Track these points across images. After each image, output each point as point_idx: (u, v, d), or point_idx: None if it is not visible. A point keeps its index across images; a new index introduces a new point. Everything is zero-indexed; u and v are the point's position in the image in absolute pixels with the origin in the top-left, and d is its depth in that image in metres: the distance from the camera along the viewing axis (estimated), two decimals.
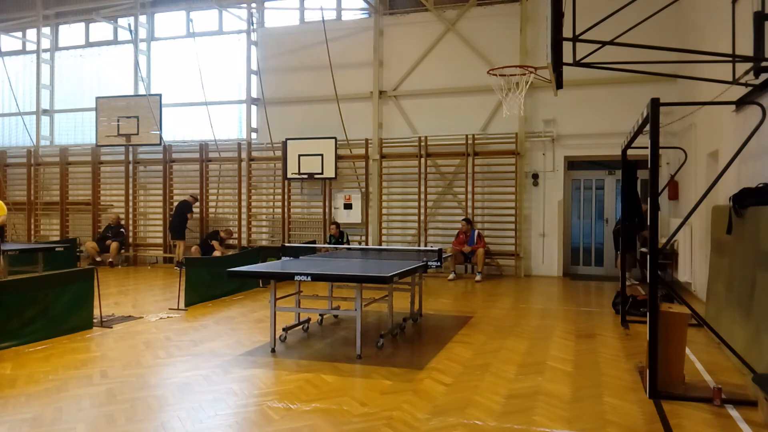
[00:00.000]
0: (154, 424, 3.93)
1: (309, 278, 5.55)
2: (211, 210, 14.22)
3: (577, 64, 5.46)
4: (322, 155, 12.87)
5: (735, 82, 6.12)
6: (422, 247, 11.03)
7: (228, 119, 14.46)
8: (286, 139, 13.15)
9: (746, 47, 5.58)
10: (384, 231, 13.06)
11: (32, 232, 15.29)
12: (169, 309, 8.14)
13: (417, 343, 6.35)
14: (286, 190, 13.57)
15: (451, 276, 11.51)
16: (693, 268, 9.19)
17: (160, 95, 14.09)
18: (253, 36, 13.97)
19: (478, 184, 12.39)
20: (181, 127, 14.73)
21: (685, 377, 4.77)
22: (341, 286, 7.76)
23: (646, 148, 4.63)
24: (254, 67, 13.89)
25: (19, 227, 15.44)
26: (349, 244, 12.13)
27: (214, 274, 8.88)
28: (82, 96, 15.31)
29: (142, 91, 14.51)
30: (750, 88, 5.89)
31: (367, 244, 12.91)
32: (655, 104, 4.61)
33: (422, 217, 12.62)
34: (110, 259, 13.45)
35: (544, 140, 12.11)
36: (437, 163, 12.72)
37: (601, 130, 11.58)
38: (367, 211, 13.08)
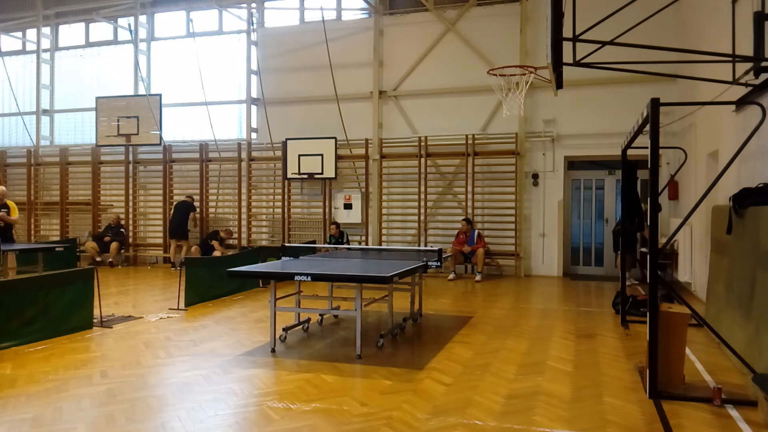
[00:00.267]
0: (154, 424, 3.93)
1: (309, 278, 5.55)
2: (211, 210, 14.22)
3: (577, 64, 5.46)
4: (322, 155, 12.87)
5: (735, 82, 6.12)
6: (422, 247, 11.04)
7: (228, 119, 14.46)
8: (286, 139, 13.15)
9: (746, 47, 5.58)
10: (384, 231, 13.06)
11: (32, 232, 15.29)
12: (169, 309, 8.14)
13: (417, 343, 6.35)
14: (286, 190, 13.57)
15: (451, 276, 11.51)
16: (693, 268, 9.19)
17: (160, 95, 14.10)
18: (253, 36, 13.97)
19: (478, 184, 12.39)
20: (181, 127, 14.73)
21: (685, 377, 4.77)
22: (341, 286, 7.76)
23: (646, 148, 4.63)
24: (254, 67, 13.89)
25: (19, 227, 15.39)
26: (349, 244, 12.13)
27: (214, 274, 8.88)
28: (82, 96, 15.31)
29: (142, 91, 14.51)
30: (750, 88, 5.89)
31: (367, 244, 12.91)
32: (655, 104, 4.61)
33: (422, 217, 12.63)
34: (110, 259, 13.45)
35: (544, 140, 12.11)
36: (437, 163, 12.72)
37: (601, 130, 11.58)
38: (367, 211, 13.08)
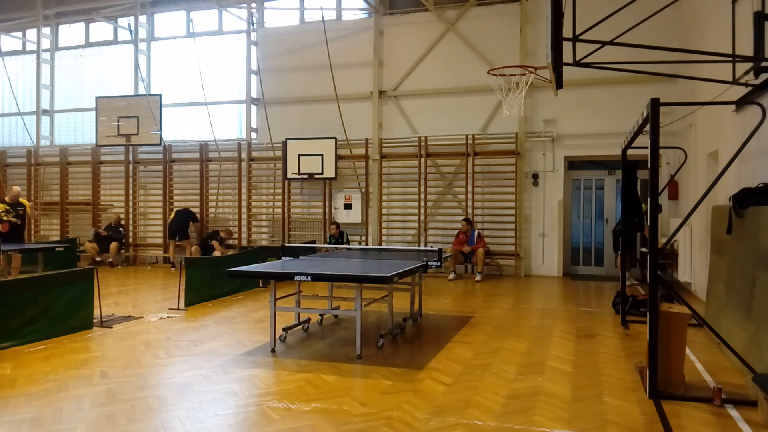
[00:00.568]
0: (154, 424, 3.93)
1: (309, 278, 5.55)
2: (211, 210, 14.22)
3: (577, 64, 5.46)
4: (322, 155, 12.87)
5: (735, 82, 6.12)
6: (422, 247, 11.04)
7: (228, 119, 14.46)
8: (286, 139, 13.16)
9: (746, 47, 5.58)
10: (384, 231, 13.06)
11: (32, 232, 15.28)
12: (169, 309, 8.14)
13: (417, 343, 6.35)
14: (286, 190, 13.57)
15: (451, 276, 11.51)
16: (693, 268, 9.19)
17: (160, 95, 14.10)
18: (253, 36, 13.97)
19: (478, 184, 12.39)
20: (181, 127, 14.73)
21: (685, 377, 4.77)
22: (341, 286, 7.76)
23: (646, 148, 4.63)
24: (254, 67, 13.89)
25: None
26: (349, 244, 12.14)
27: (214, 274, 8.88)
28: (82, 96, 15.31)
29: (142, 91, 14.51)
30: (750, 88, 5.89)
31: (367, 244, 12.91)
32: (655, 104, 4.61)
33: (422, 217, 12.63)
34: (110, 259, 13.46)
35: (544, 140, 12.11)
36: (437, 163, 12.72)
37: (601, 130, 11.58)
38: (367, 211, 13.08)
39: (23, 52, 16.28)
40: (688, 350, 5.23)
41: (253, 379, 4.95)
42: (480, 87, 11.95)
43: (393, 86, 13.07)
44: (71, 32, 15.77)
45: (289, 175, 13.18)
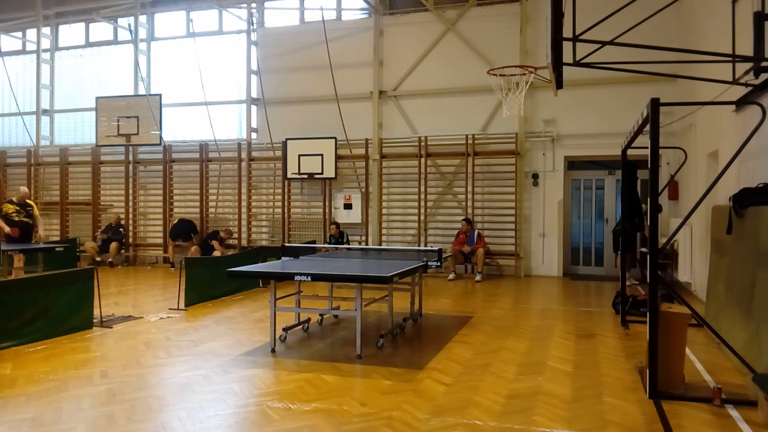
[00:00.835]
0: (154, 424, 3.93)
1: (309, 278, 5.55)
2: (211, 210, 14.22)
3: (577, 64, 5.46)
4: (322, 155, 12.87)
5: (735, 82, 6.12)
6: (422, 247, 11.03)
7: (228, 119, 14.45)
8: (286, 139, 13.16)
9: (746, 47, 5.58)
10: (384, 231, 13.06)
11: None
12: (169, 309, 8.14)
13: (417, 343, 6.35)
14: (286, 190, 13.57)
15: (451, 276, 11.51)
16: (693, 268, 9.19)
17: (160, 95, 14.10)
18: (253, 36, 13.97)
19: (478, 184, 12.39)
20: (181, 127, 14.73)
21: (685, 377, 4.77)
22: (341, 286, 7.76)
23: (646, 148, 4.63)
24: (254, 67, 13.89)
25: None
26: (349, 244, 12.13)
27: (214, 274, 8.88)
28: (82, 96, 15.31)
29: (142, 91, 14.51)
30: (750, 88, 5.89)
31: (367, 244, 12.91)
32: (655, 104, 4.61)
33: (422, 217, 12.63)
34: (110, 259, 13.46)
35: (544, 140, 12.11)
36: (437, 163, 12.72)
37: (601, 130, 11.58)
38: (367, 211, 13.08)
39: (23, 52, 16.28)
40: (688, 350, 5.23)
41: (253, 379, 4.95)
42: (480, 87, 11.95)
43: (393, 86, 13.07)
44: (71, 32, 15.77)
45: (289, 175, 13.18)
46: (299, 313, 6.81)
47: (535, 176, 12.17)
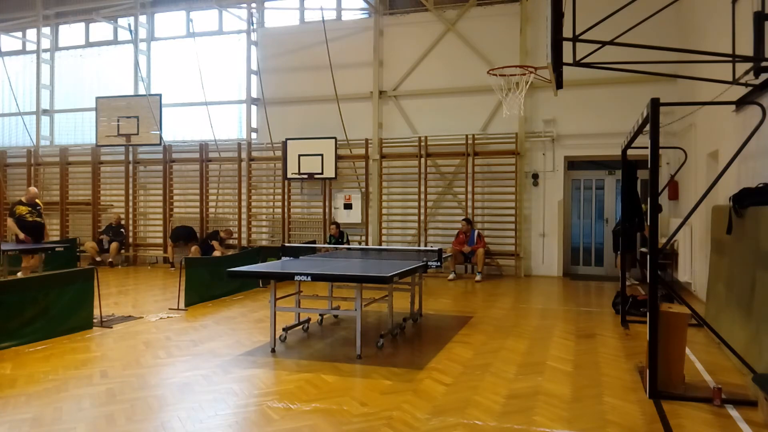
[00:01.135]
0: (154, 424, 3.93)
1: (309, 278, 5.55)
2: (211, 210, 14.22)
3: (577, 64, 5.46)
4: (322, 155, 12.87)
5: (735, 82, 6.12)
6: (422, 247, 11.03)
7: (228, 119, 14.45)
8: (286, 139, 13.16)
9: (746, 47, 5.58)
10: (384, 231, 13.06)
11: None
12: (169, 309, 8.14)
13: (417, 343, 6.35)
14: (286, 190, 13.57)
15: (451, 276, 11.51)
16: (693, 268, 9.19)
17: (160, 95, 14.10)
18: (253, 36, 13.97)
19: (478, 184, 12.39)
20: (181, 127, 14.73)
21: (685, 377, 4.77)
22: (341, 286, 7.76)
23: (646, 148, 4.63)
24: (254, 67, 13.89)
25: None
26: (349, 244, 12.13)
27: (214, 274, 8.88)
28: (82, 96, 15.31)
29: (142, 91, 14.51)
30: (750, 88, 5.89)
31: (367, 244, 12.91)
32: (655, 104, 4.61)
33: (422, 217, 12.63)
34: (110, 259, 13.46)
35: (544, 140, 12.11)
36: (437, 163, 12.72)
37: (601, 130, 11.58)
38: (367, 211, 13.08)
39: (23, 52, 16.28)
40: (688, 350, 5.23)
41: (253, 379, 4.95)
42: (480, 87, 11.95)
43: (393, 86, 13.07)
44: (71, 32, 15.77)
45: (289, 175, 13.18)
46: (299, 313, 6.81)
47: (535, 176, 12.17)
